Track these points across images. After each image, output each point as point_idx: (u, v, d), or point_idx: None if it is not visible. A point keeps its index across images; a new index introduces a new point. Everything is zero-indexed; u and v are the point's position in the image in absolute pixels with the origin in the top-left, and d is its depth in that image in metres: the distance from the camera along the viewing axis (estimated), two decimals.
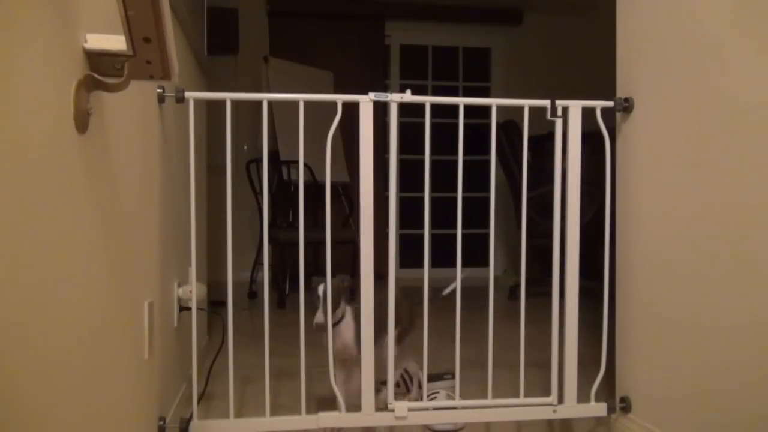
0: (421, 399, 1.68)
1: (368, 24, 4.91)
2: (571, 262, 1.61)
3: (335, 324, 1.60)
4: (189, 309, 1.68)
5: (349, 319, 1.63)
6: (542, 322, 1.75)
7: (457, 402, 1.62)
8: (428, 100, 1.59)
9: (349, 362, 1.67)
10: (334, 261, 1.60)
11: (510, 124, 3.83)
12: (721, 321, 1.29)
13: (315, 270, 4.23)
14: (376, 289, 1.57)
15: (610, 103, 1.63)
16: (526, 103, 1.64)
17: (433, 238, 5.03)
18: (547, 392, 1.66)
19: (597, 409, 1.63)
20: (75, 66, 0.86)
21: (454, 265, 1.64)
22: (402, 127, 4.98)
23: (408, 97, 1.56)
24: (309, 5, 4.77)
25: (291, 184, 3.98)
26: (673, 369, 1.44)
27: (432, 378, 2.06)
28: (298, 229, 2.00)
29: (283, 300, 3.69)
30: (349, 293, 1.68)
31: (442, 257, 5.04)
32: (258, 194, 4.04)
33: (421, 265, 1.67)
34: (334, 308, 1.57)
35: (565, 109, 1.61)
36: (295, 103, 1.56)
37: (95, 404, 0.95)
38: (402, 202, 5.08)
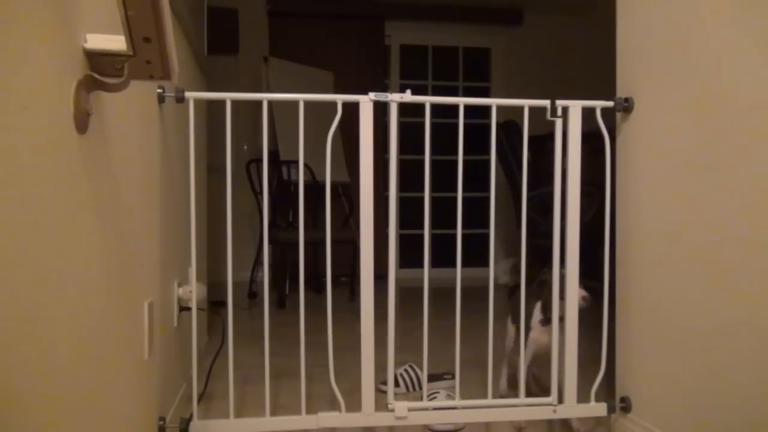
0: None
1: (368, 24, 4.91)
2: (571, 262, 1.61)
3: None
4: (189, 309, 1.68)
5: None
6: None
7: (457, 402, 1.62)
8: (428, 100, 1.59)
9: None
10: (334, 261, 1.60)
11: (510, 124, 3.82)
12: (721, 321, 1.29)
13: (315, 270, 4.23)
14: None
15: (610, 103, 1.63)
16: (526, 103, 1.64)
17: (433, 238, 5.03)
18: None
19: (597, 409, 1.63)
20: (75, 66, 0.86)
21: (454, 265, 1.65)
22: (402, 127, 4.97)
23: (408, 97, 1.56)
24: (309, 5, 4.77)
25: (291, 184, 3.98)
26: (673, 369, 1.44)
27: (432, 378, 2.06)
28: (298, 229, 2.00)
29: (283, 300, 3.69)
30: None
31: (443, 257, 5.04)
32: (258, 194, 4.04)
33: (421, 265, 1.67)
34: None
35: (565, 109, 1.61)
36: (295, 103, 1.56)
37: (95, 404, 0.95)
38: (402, 202, 5.08)
